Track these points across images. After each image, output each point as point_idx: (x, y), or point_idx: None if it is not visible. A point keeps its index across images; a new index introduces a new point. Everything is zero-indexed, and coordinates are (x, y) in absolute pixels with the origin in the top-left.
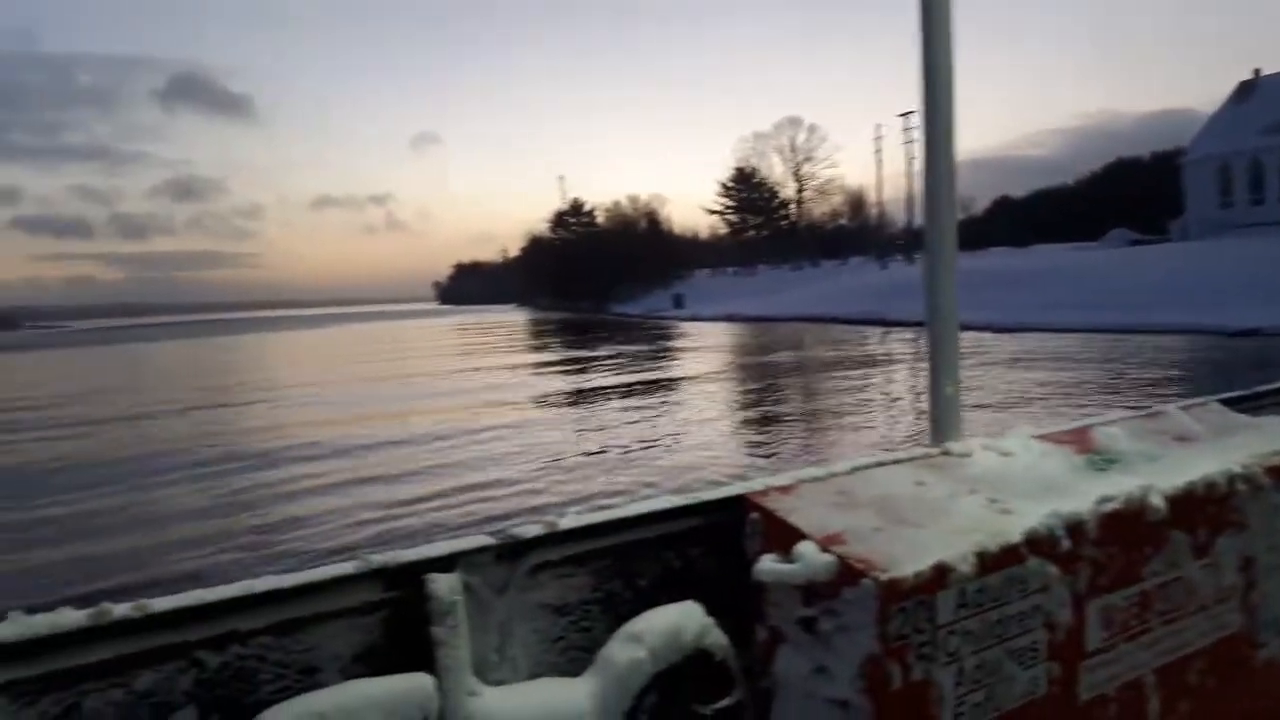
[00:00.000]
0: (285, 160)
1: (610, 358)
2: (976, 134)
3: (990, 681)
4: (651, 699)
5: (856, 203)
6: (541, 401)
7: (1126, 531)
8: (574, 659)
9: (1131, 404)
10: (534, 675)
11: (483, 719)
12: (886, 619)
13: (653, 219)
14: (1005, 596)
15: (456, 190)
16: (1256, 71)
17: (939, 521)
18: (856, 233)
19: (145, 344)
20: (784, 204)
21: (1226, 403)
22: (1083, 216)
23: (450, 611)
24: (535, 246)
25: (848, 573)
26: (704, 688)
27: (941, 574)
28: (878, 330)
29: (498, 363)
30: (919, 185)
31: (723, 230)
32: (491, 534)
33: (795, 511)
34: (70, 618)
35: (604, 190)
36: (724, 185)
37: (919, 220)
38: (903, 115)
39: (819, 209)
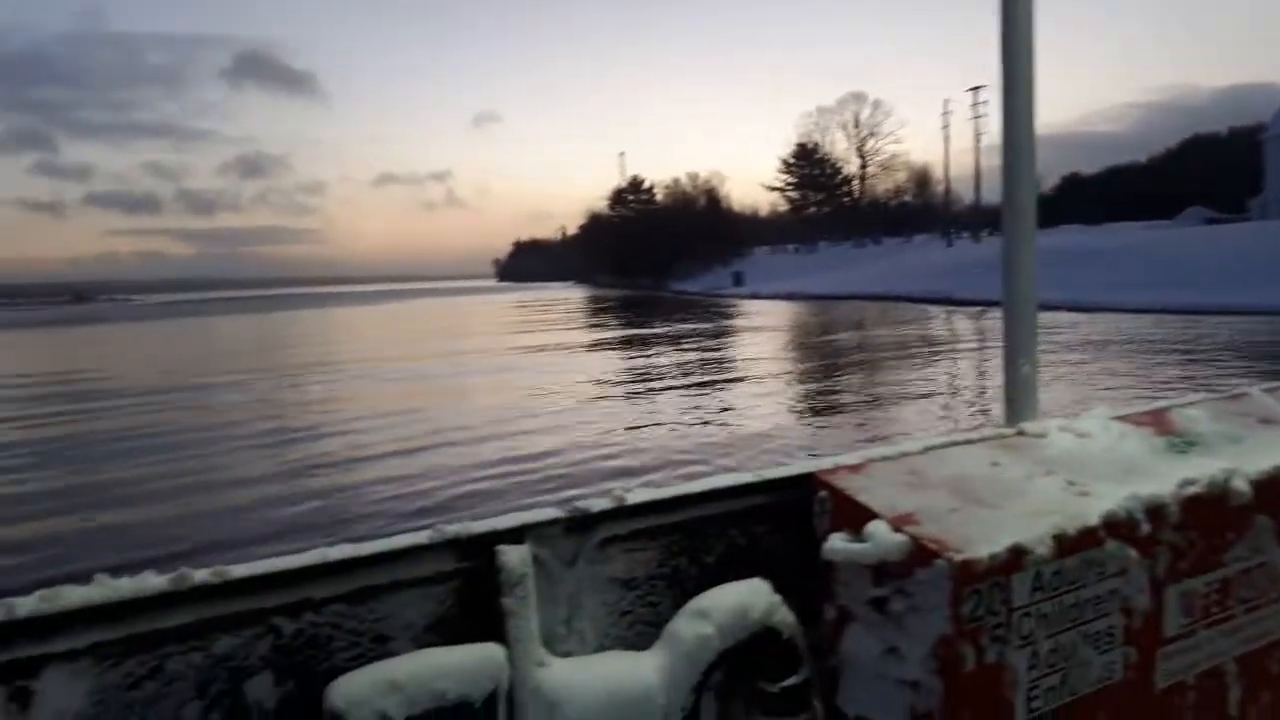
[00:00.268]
0: (347, 137)
1: (679, 337)
2: (1046, 109)
3: (1065, 666)
4: (718, 675)
5: (921, 179)
6: (602, 383)
7: (1209, 516)
8: (640, 633)
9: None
10: (600, 648)
11: (551, 689)
12: (960, 600)
13: (712, 196)
14: (1082, 580)
15: (516, 168)
16: None
17: (1014, 503)
18: (920, 210)
19: (222, 318)
20: (846, 180)
21: None
22: (1156, 194)
23: (520, 583)
24: (594, 224)
25: (921, 553)
26: (770, 665)
27: (1017, 556)
28: (949, 310)
29: (564, 340)
30: (987, 161)
31: (783, 207)
32: (561, 507)
33: (865, 490)
34: (152, 582)
35: (663, 167)
36: (785, 161)
37: (986, 197)
38: (971, 90)
39: (882, 185)
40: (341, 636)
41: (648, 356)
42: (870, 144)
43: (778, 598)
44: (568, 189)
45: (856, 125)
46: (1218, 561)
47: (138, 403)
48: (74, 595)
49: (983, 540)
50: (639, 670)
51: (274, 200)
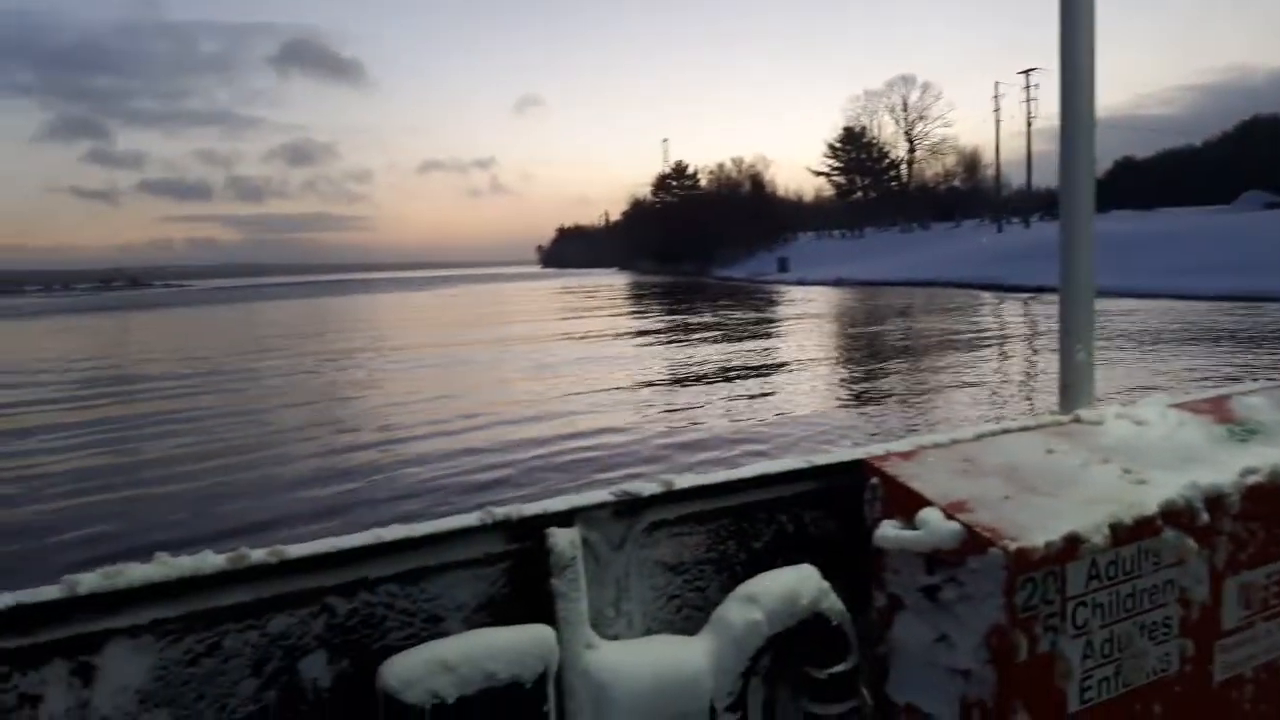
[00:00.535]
0: (393, 124)
1: (729, 327)
2: (1099, 92)
3: (1120, 657)
4: (766, 661)
5: (970, 164)
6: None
7: (1270, 506)
8: (688, 617)
9: None
10: (648, 631)
11: (600, 672)
12: (1014, 589)
13: (757, 181)
14: (1138, 570)
15: (558, 154)
16: None
17: (1070, 491)
18: (969, 195)
19: (278, 303)
20: (894, 165)
21: None
22: (1212, 178)
23: (570, 565)
24: (637, 210)
25: (974, 541)
26: (819, 652)
27: (1072, 545)
28: (1004, 296)
29: (614, 328)
30: (1039, 146)
31: (828, 192)
32: (610, 491)
33: (917, 477)
34: (211, 561)
35: (707, 152)
36: (831, 146)
37: (1038, 182)
38: (1024, 72)
39: (930, 170)
40: (394, 616)
41: (715, 343)
42: (919, 127)
43: (827, 584)
44: (610, 174)
45: (905, 108)
46: (1279, 553)
47: (255, 379)
48: (135, 573)
49: (1037, 528)
50: (687, 655)
51: (322, 187)
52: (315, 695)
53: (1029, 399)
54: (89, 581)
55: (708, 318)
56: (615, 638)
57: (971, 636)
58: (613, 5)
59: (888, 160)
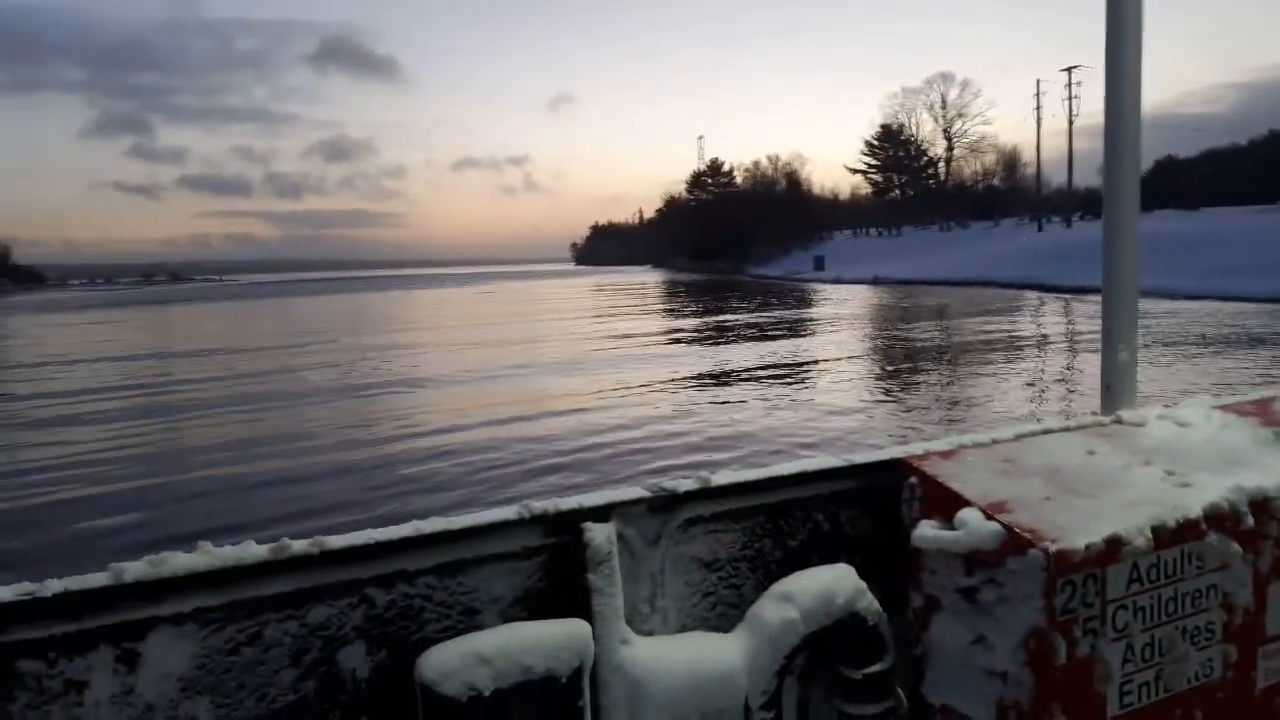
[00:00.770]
0: (428, 121)
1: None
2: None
3: (1160, 661)
4: (800, 660)
5: (1009, 162)
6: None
7: None
8: (723, 614)
9: None
10: (683, 628)
11: (635, 667)
12: (1054, 591)
13: (793, 179)
14: (1181, 573)
15: (592, 151)
16: None
17: (1111, 492)
18: (1007, 194)
19: (317, 299)
20: (932, 163)
21: None
22: (1258, 178)
23: (605, 560)
24: (671, 207)
25: (1014, 542)
26: (854, 652)
27: (1114, 547)
28: (1054, 296)
29: (655, 327)
30: (1080, 144)
31: (864, 190)
32: (646, 487)
33: (957, 477)
34: (253, 551)
35: (743, 150)
36: (869, 143)
37: (1080, 181)
38: (1066, 70)
39: (969, 168)
40: (432, 608)
41: (772, 340)
42: (958, 125)
43: (863, 584)
44: (644, 172)
45: (944, 106)
46: None
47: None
48: (180, 561)
49: (1078, 530)
50: (721, 651)
51: (358, 184)
52: (354, 686)
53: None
54: (135, 569)
55: (781, 312)
56: (650, 633)
57: (1010, 638)
58: (648, 3)
59: (926, 158)
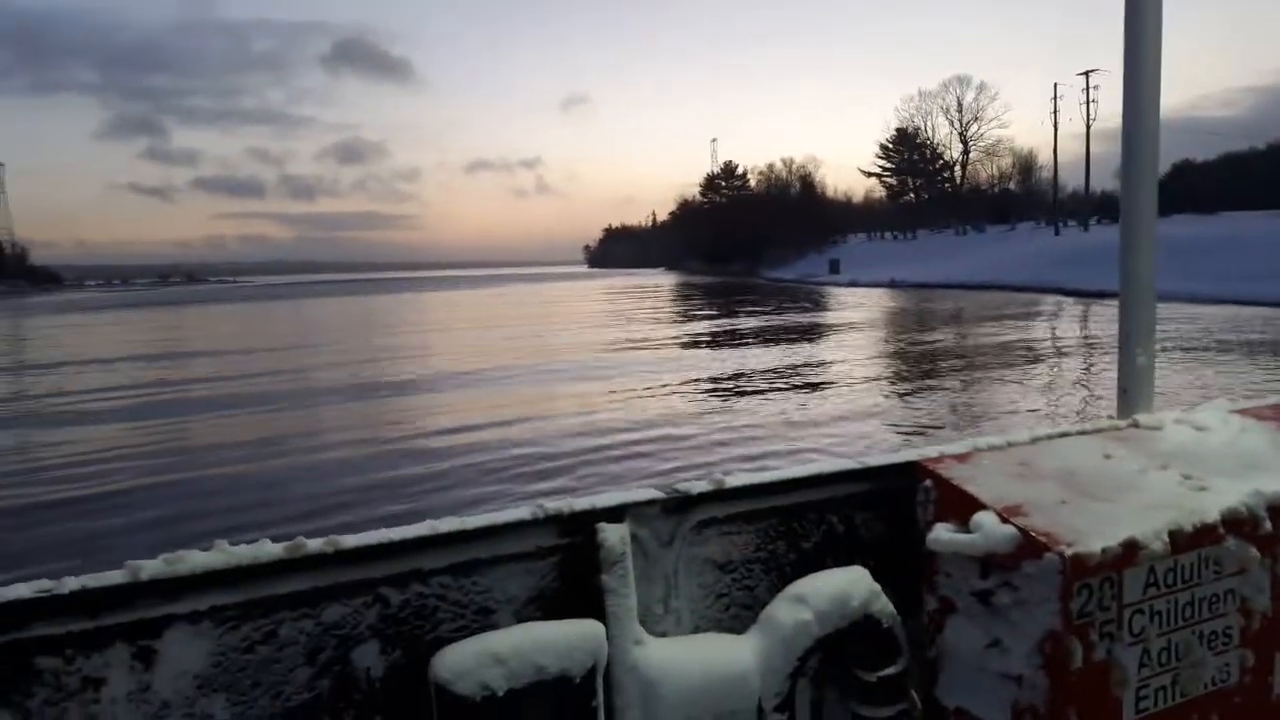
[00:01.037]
0: (441, 123)
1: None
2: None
3: (1177, 666)
4: (814, 662)
5: (1025, 165)
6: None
7: None
8: (736, 616)
9: None
10: (696, 629)
11: (649, 668)
12: (1070, 595)
13: (807, 182)
14: (1198, 578)
15: (605, 154)
16: None
17: (1128, 496)
18: (1023, 197)
19: (331, 300)
20: (948, 166)
21: None
22: (1276, 182)
23: (619, 561)
24: (685, 210)
25: (1030, 545)
26: (868, 655)
27: (1130, 551)
28: (1078, 300)
29: (680, 334)
30: (1096, 148)
31: (879, 193)
32: (660, 488)
33: (972, 480)
34: (269, 550)
35: (757, 153)
36: (884, 146)
37: (1096, 184)
38: (1083, 74)
39: (985, 172)
40: (446, 608)
41: (811, 342)
42: (974, 128)
43: (878, 586)
44: (657, 175)
45: (959, 109)
46: None
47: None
48: (196, 559)
49: (1094, 534)
50: (735, 653)
51: (371, 186)
52: (368, 685)
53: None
54: (151, 568)
55: (806, 318)
56: (663, 634)
57: (1025, 642)
58: (660, 4)
59: (941, 161)
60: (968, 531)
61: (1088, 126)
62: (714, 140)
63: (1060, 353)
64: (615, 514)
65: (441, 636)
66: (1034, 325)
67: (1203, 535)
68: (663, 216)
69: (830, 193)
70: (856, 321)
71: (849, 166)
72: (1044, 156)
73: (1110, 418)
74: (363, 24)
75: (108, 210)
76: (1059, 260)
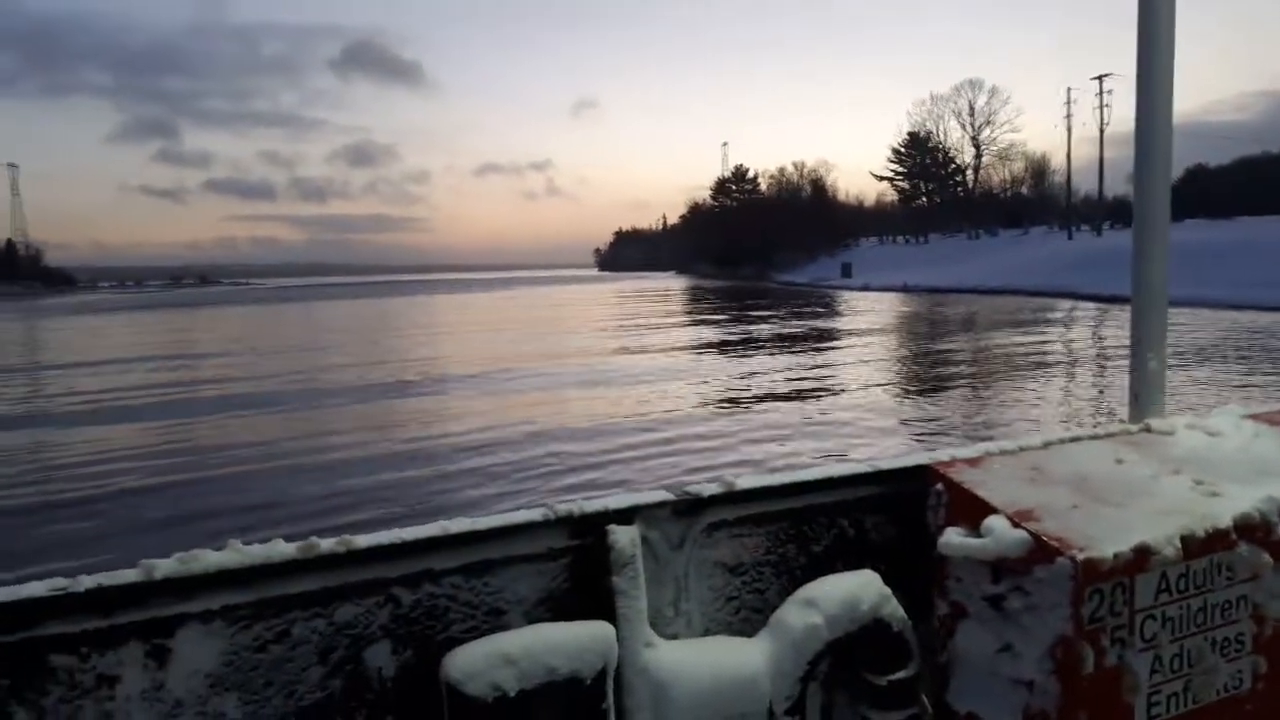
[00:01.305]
0: (452, 126)
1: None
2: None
3: (1189, 672)
4: (825, 666)
5: (1038, 170)
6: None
7: None
8: (746, 619)
9: None
10: (706, 632)
11: (659, 671)
12: (1081, 600)
13: (818, 185)
14: (1210, 584)
15: (615, 157)
16: None
17: (1140, 502)
18: (1036, 201)
19: (344, 302)
20: (960, 170)
21: None
22: None
23: (630, 563)
24: (696, 213)
25: (1042, 550)
26: (879, 659)
27: (1142, 556)
28: (1084, 304)
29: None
30: (1109, 152)
31: (891, 197)
32: (670, 490)
33: (984, 485)
34: (281, 549)
35: (767, 156)
36: (896, 150)
37: (1109, 189)
38: (1097, 78)
39: (997, 176)
40: (458, 608)
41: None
42: (986, 133)
43: (888, 590)
44: (667, 178)
45: (972, 113)
46: None
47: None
48: (209, 559)
49: (1106, 539)
50: (745, 657)
51: (382, 189)
52: (380, 684)
53: None
54: (165, 567)
55: (837, 323)
56: (674, 637)
57: (1036, 647)
58: (671, 7)
59: (953, 165)
60: (979, 536)
61: (1101, 131)
62: (725, 144)
63: (1077, 362)
64: (626, 516)
65: (453, 637)
66: (1074, 330)
67: (1215, 541)
68: (673, 220)
69: (842, 196)
70: (875, 327)
71: (861, 170)
72: (1057, 160)
73: (1122, 422)
74: (374, 27)
75: (121, 212)
76: (1072, 265)
